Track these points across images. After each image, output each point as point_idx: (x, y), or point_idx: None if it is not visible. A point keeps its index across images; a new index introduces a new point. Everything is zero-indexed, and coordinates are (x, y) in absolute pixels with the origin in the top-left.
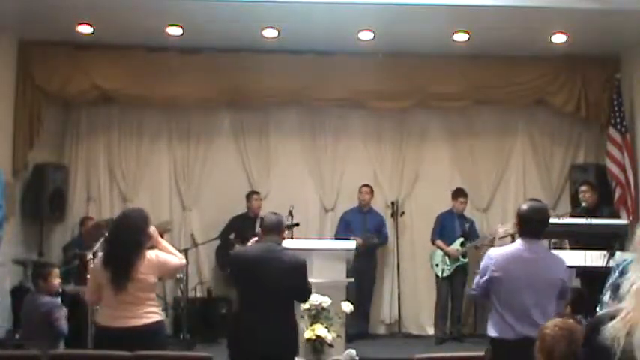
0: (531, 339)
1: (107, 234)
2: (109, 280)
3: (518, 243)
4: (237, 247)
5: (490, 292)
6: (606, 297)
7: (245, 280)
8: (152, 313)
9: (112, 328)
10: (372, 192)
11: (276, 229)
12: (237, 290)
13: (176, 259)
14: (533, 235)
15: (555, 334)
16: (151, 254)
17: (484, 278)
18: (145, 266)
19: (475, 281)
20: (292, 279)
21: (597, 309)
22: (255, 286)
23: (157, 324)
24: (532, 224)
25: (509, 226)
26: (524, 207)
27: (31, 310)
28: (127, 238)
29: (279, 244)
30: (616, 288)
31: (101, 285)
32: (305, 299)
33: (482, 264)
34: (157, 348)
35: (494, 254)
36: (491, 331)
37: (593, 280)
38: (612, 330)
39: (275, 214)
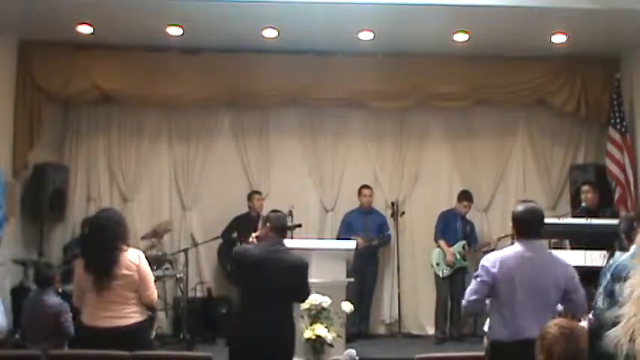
0: (530, 341)
1: (82, 239)
2: (92, 282)
3: (517, 245)
4: (240, 246)
5: (486, 296)
6: (600, 302)
7: (248, 278)
8: (135, 313)
9: (95, 327)
10: (372, 193)
11: (283, 228)
12: (239, 288)
13: (153, 289)
14: (531, 235)
15: (556, 334)
16: (135, 252)
17: (485, 280)
18: (128, 263)
19: (469, 289)
20: (294, 279)
21: (591, 315)
22: (257, 285)
23: (140, 324)
24: (529, 225)
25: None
26: (520, 208)
27: (35, 310)
28: (102, 238)
29: (282, 243)
30: (610, 294)
31: (84, 289)
32: (303, 300)
33: (480, 268)
34: (140, 348)
35: (493, 257)
36: (491, 333)
37: (593, 280)
38: (615, 337)
39: (278, 211)
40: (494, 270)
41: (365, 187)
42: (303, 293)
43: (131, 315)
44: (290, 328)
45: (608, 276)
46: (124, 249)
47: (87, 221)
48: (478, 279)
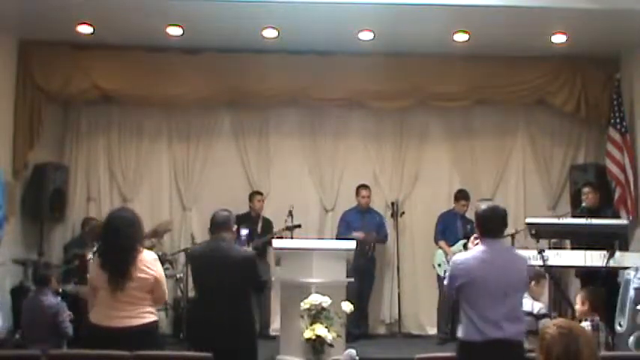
0: (497, 341)
1: (99, 236)
2: (107, 281)
3: (481, 246)
4: (192, 247)
5: (458, 296)
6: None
7: (197, 276)
8: (148, 313)
9: (107, 327)
10: (370, 193)
11: (224, 225)
12: (195, 286)
13: (166, 291)
14: (494, 234)
15: (554, 334)
16: (150, 255)
17: (452, 284)
18: (145, 265)
19: (444, 287)
20: (240, 273)
21: (618, 320)
22: (205, 282)
23: (152, 324)
24: (492, 224)
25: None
26: (483, 207)
27: (34, 310)
28: (120, 238)
29: (227, 240)
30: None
31: (97, 286)
32: (259, 291)
33: (448, 270)
34: (152, 348)
35: (458, 260)
36: (459, 333)
37: (593, 280)
38: None
39: (225, 210)
40: (456, 273)
41: (363, 187)
42: (257, 284)
43: (144, 315)
44: (244, 320)
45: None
46: (140, 250)
47: (96, 219)
48: (445, 279)
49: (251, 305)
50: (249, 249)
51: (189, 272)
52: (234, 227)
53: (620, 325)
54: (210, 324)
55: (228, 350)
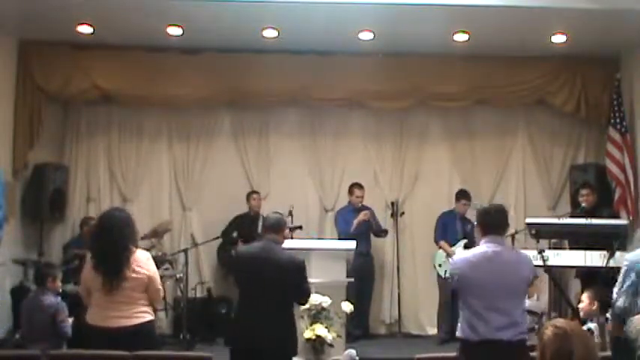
0: (494, 341)
1: (92, 237)
2: (101, 282)
3: (482, 245)
4: (240, 246)
5: (458, 295)
6: (620, 302)
7: (243, 278)
8: (143, 313)
9: (103, 328)
10: (364, 192)
11: (275, 228)
12: (238, 289)
13: (161, 290)
14: (496, 233)
15: (550, 334)
16: (144, 254)
17: (453, 282)
18: (138, 264)
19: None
20: (290, 279)
21: (609, 315)
22: (253, 285)
23: (148, 324)
24: (494, 223)
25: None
26: (484, 206)
27: (34, 310)
28: (114, 238)
29: (278, 243)
30: (635, 292)
31: (91, 288)
32: (303, 300)
33: (450, 268)
34: (149, 348)
35: (459, 258)
36: (459, 332)
37: (593, 280)
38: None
39: (277, 213)
40: (455, 272)
41: (357, 186)
42: (301, 292)
43: (139, 315)
44: (288, 327)
45: (633, 275)
46: (134, 250)
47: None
48: (450, 280)
49: (292, 309)
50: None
51: (234, 274)
52: (287, 231)
53: None
54: (254, 326)
55: (268, 355)
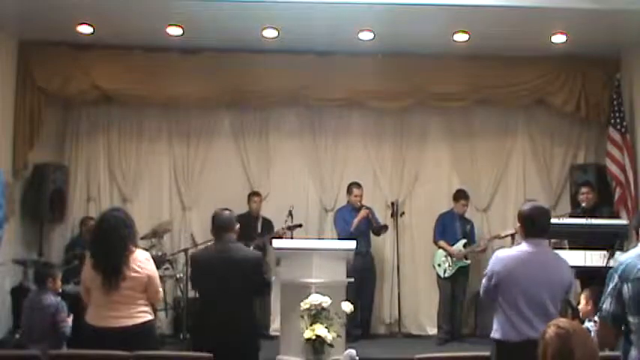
0: (534, 341)
1: (91, 237)
2: (101, 281)
3: (524, 245)
4: (194, 251)
5: (497, 294)
6: (606, 304)
7: (202, 282)
8: (143, 313)
9: (102, 328)
10: (362, 192)
11: (227, 227)
12: (197, 292)
13: (160, 290)
14: (538, 235)
15: (551, 334)
16: (143, 254)
17: (492, 280)
18: (137, 264)
19: (483, 283)
20: (246, 275)
21: (596, 318)
22: (213, 286)
23: (148, 323)
24: (537, 225)
25: (509, 231)
26: (527, 207)
27: (33, 310)
28: (113, 238)
29: (232, 242)
30: (619, 295)
31: (90, 288)
32: (262, 292)
33: (490, 265)
34: (149, 347)
35: (502, 255)
36: (495, 333)
37: (593, 280)
38: None
39: (226, 209)
40: (497, 269)
41: (356, 186)
42: (258, 285)
43: (139, 315)
44: (250, 324)
45: (616, 277)
46: (133, 250)
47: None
48: (486, 275)
49: (252, 305)
50: (255, 250)
51: (189, 274)
52: (237, 226)
53: None
54: (213, 324)
55: (230, 350)
